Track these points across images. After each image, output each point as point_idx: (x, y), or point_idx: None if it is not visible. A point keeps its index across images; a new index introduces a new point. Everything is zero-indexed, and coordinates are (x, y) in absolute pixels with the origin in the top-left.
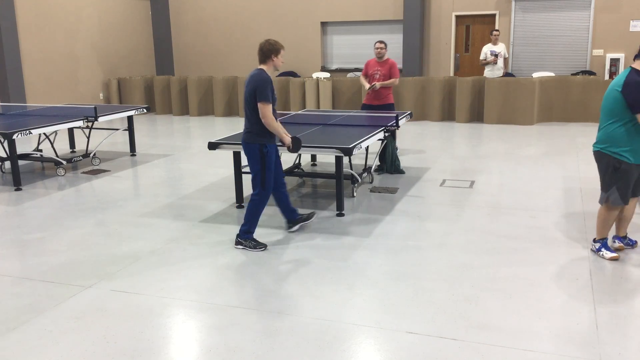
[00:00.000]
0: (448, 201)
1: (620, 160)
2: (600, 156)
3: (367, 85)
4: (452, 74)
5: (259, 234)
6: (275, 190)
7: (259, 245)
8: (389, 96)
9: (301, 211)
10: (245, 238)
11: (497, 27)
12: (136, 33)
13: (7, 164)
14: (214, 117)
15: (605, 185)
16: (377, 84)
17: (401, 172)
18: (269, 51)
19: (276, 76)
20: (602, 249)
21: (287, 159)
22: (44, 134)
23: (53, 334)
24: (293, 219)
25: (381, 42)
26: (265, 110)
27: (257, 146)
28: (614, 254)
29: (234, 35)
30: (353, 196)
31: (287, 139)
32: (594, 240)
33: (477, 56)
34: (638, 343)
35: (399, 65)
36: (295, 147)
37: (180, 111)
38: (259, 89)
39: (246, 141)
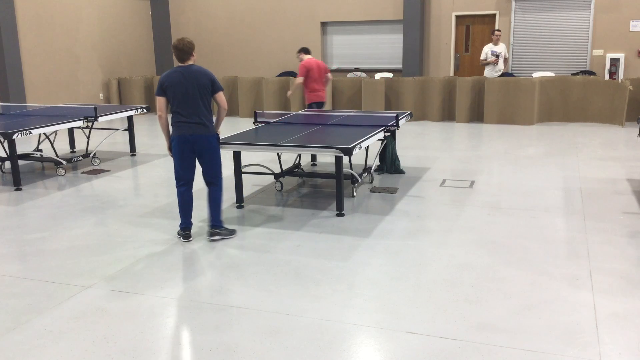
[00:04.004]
0: (448, 201)
1: None
2: None
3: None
4: (452, 74)
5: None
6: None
7: (232, 231)
8: (309, 96)
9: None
10: (222, 227)
11: (497, 27)
12: (136, 33)
13: (7, 164)
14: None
15: None
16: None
17: (401, 172)
18: (190, 49)
19: (276, 76)
20: None
21: (288, 159)
22: (44, 134)
23: (53, 334)
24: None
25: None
26: (224, 98)
27: (216, 136)
28: None
29: (234, 35)
30: (353, 196)
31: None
32: None
33: (477, 56)
34: (638, 343)
35: (399, 65)
36: None
37: None
38: (215, 80)
39: (206, 134)
